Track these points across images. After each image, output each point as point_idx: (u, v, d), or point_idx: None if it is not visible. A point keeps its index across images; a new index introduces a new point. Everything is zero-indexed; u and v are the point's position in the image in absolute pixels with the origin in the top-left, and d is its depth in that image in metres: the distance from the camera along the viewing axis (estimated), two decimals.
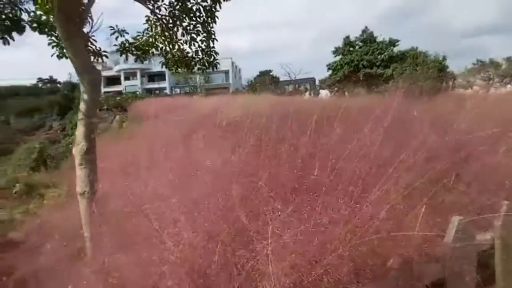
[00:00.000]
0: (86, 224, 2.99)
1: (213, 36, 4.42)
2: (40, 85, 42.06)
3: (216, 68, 4.84)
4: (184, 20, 4.28)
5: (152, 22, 4.31)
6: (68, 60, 4.00)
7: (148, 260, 1.24)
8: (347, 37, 26.42)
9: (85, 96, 3.03)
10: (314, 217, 1.23)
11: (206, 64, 4.63)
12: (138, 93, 42.42)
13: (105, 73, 51.84)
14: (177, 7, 4.19)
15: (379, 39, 25.31)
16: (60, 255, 2.74)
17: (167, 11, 4.20)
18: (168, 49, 4.55)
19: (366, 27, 25.89)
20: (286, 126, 2.79)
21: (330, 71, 26.81)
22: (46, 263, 2.59)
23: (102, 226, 2.17)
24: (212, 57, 4.62)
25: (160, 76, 51.28)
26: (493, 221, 1.85)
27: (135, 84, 51.13)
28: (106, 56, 4.75)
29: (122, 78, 51.24)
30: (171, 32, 4.32)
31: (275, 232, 1.15)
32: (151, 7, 4.11)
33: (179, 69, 5.00)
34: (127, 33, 4.50)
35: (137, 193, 1.76)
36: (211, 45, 4.49)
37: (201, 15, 4.20)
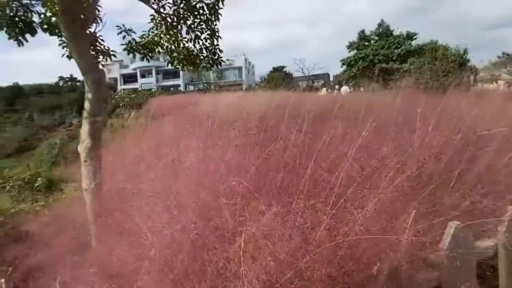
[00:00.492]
0: (91, 218, 3.10)
1: (217, 34, 4.43)
2: (61, 83, 43.84)
3: (221, 66, 4.84)
4: (188, 18, 4.30)
5: (157, 21, 4.36)
6: None
7: (128, 254, 1.27)
8: (362, 31, 25.67)
9: (89, 95, 3.11)
10: (296, 220, 1.20)
11: (211, 62, 4.64)
12: (153, 90, 43.42)
13: (122, 71, 53.45)
14: (181, 5, 4.22)
15: (395, 32, 24.45)
16: (68, 247, 2.86)
17: (171, 10, 4.24)
18: (173, 47, 4.60)
19: (382, 20, 25.09)
20: (287, 123, 2.73)
21: (345, 67, 26.22)
22: (53, 254, 2.71)
23: (99, 220, 2.23)
24: (217, 55, 4.63)
25: (174, 74, 52.18)
26: (496, 227, 1.75)
27: (151, 81, 52.30)
28: (115, 55, 4.87)
29: (138, 75, 52.54)
30: (175, 30, 4.36)
31: (253, 233, 1.13)
32: (155, 6, 4.16)
33: (185, 67, 5.05)
34: (134, 32, 4.59)
35: (127, 190, 1.79)
36: (215, 42, 4.49)
37: (205, 12, 4.20)
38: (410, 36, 23.87)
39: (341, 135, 2.30)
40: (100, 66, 4.62)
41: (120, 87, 48.90)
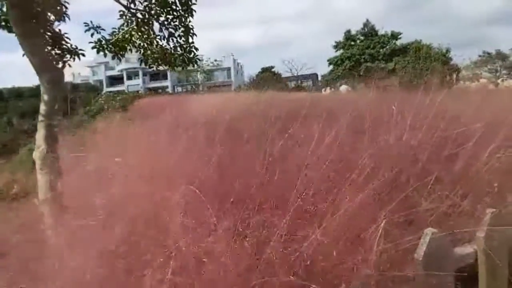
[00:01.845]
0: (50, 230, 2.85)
1: (191, 31, 4.21)
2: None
3: (197, 65, 4.63)
4: (161, 14, 4.08)
5: (127, 17, 4.11)
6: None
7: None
8: (348, 31, 25.90)
9: (45, 97, 2.85)
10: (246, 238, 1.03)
11: (186, 60, 4.43)
12: (140, 92, 42.56)
13: (108, 73, 52.27)
14: (153, 0, 3.99)
15: (380, 32, 24.78)
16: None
17: (142, 6, 4.01)
18: (146, 45, 4.36)
19: (367, 20, 25.36)
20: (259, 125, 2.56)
21: (332, 66, 26.38)
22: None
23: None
24: (192, 53, 4.42)
25: (162, 75, 51.46)
26: (475, 232, 1.61)
27: (137, 83, 51.41)
28: (83, 55, 4.59)
29: (124, 77, 51.52)
30: (147, 27, 4.12)
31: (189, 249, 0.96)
32: (124, 2, 3.92)
33: (160, 66, 4.81)
34: (103, 29, 4.32)
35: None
36: (190, 40, 4.28)
37: (177, 8, 3.99)
38: (394, 36, 24.22)
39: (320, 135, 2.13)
40: (64, 65, 4.35)
41: (106, 89, 47.82)
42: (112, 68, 52.21)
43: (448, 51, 17.73)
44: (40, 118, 2.82)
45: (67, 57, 4.47)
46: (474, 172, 1.94)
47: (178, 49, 4.33)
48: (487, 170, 1.96)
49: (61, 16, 4.40)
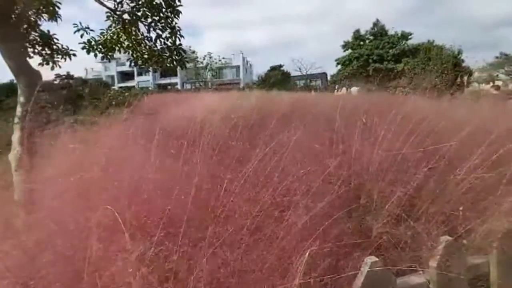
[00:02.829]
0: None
1: (178, 33, 4.18)
2: (57, 81, 43.46)
3: (185, 67, 4.60)
4: (148, 16, 4.06)
5: (114, 18, 4.11)
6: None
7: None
8: (357, 31, 25.35)
9: (21, 99, 2.87)
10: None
11: (175, 62, 4.40)
12: (150, 88, 43.07)
13: (119, 69, 53.04)
14: (140, 1, 3.98)
15: (390, 32, 24.14)
16: None
17: (130, 7, 3.99)
18: (134, 46, 4.35)
19: (377, 20, 24.75)
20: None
21: (340, 66, 25.94)
22: None
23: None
24: (180, 55, 4.38)
25: (171, 72, 51.84)
26: (427, 261, 1.51)
27: (148, 79, 52.02)
28: (75, 55, 4.63)
29: (135, 73, 52.19)
30: (134, 28, 4.11)
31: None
32: (110, 4, 3.91)
33: (151, 66, 4.81)
34: (92, 30, 4.34)
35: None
36: (177, 42, 4.25)
37: (163, 9, 3.96)
38: (405, 36, 23.56)
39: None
40: (54, 65, 4.40)
41: (117, 84, 48.59)
42: (124, 64, 52.97)
43: (460, 52, 17.13)
44: (16, 120, 2.85)
45: (57, 58, 4.54)
46: (439, 192, 1.83)
47: (166, 50, 4.31)
48: (455, 192, 1.84)
49: (54, 16, 4.45)
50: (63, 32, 4.61)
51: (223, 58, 47.45)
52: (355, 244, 1.49)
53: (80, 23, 4.27)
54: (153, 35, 4.21)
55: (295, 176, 1.54)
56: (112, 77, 54.15)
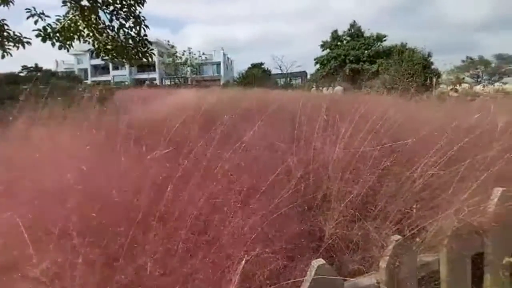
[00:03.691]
0: None
1: (142, 23, 3.95)
2: (24, 73, 40.54)
3: (152, 60, 4.38)
4: (110, 3, 3.80)
5: (72, 4, 3.80)
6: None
7: None
8: (335, 31, 25.83)
9: None
10: None
11: (140, 54, 4.16)
12: (126, 83, 41.36)
13: (93, 62, 50.44)
14: None
15: (366, 34, 24.80)
16: None
17: None
18: (96, 35, 4.06)
19: (354, 21, 25.34)
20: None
21: (318, 65, 26.31)
22: None
23: None
24: (146, 47, 4.15)
25: (150, 67, 50.40)
26: (378, 261, 1.47)
27: (124, 74, 49.93)
28: (29, 43, 4.26)
29: (110, 67, 49.89)
30: (94, 16, 3.83)
31: None
32: None
33: (115, 59, 4.52)
34: (48, 16, 3.99)
35: None
36: (142, 32, 4.01)
37: None
38: (380, 38, 24.33)
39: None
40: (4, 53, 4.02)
41: (90, 78, 46.29)
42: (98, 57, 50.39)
43: (429, 55, 17.91)
44: None
45: (9, 45, 4.15)
46: (396, 190, 1.81)
47: (130, 41, 4.06)
48: (412, 189, 1.83)
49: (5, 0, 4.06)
50: (20, 20, 4.22)
51: (203, 54, 46.68)
52: (306, 247, 1.42)
53: (34, 8, 3.93)
54: (116, 24, 3.96)
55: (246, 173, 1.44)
56: (85, 70, 51.50)
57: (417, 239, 1.67)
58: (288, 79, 42.58)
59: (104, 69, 50.22)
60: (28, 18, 3.87)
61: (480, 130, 2.10)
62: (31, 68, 45.34)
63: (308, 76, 43.06)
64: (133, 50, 4.14)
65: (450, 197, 1.66)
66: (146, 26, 4.00)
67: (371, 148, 2.02)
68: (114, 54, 4.36)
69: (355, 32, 25.12)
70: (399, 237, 1.46)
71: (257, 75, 37.69)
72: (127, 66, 50.40)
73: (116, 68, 50.44)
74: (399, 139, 2.30)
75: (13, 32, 4.08)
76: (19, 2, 4.05)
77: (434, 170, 1.85)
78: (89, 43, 4.09)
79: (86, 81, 36.58)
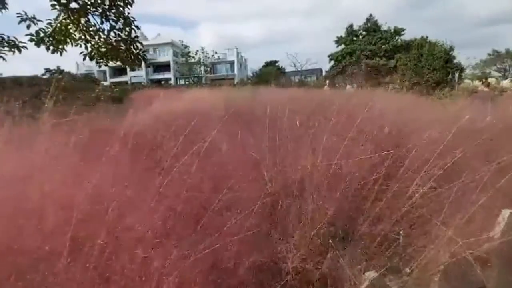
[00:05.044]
0: None
1: (133, 24, 3.83)
2: (47, 75, 42.46)
3: (145, 62, 4.26)
4: (99, 5, 3.70)
5: (61, 8, 3.74)
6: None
7: None
8: (350, 26, 24.88)
9: None
10: None
11: (132, 56, 4.05)
12: (142, 83, 42.26)
13: (111, 64, 51.93)
14: None
15: (383, 28, 23.67)
16: None
17: None
18: (88, 38, 4.00)
19: (370, 15, 24.23)
20: None
21: (333, 62, 25.50)
22: None
23: None
24: (138, 49, 4.04)
25: (165, 67, 51.36)
26: None
27: (141, 75, 51.11)
28: (25, 47, 4.26)
29: (127, 69, 51.21)
30: (84, 18, 3.75)
31: None
32: None
33: (109, 62, 4.45)
34: (40, 20, 3.97)
35: None
36: (133, 34, 3.90)
37: None
38: (397, 32, 23.15)
39: None
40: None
41: (109, 80, 47.75)
42: None
43: (452, 48, 16.83)
44: None
45: (4, 51, 4.17)
46: (380, 211, 1.55)
47: (121, 43, 3.96)
48: (398, 208, 1.57)
49: (1, 4, 4.08)
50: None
51: (216, 53, 46.84)
52: (262, 283, 1.20)
53: (25, 12, 3.91)
54: (106, 27, 3.87)
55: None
56: (104, 72, 53.22)
57: (404, 271, 1.41)
58: (303, 76, 41.80)
59: (122, 71, 51.64)
60: (19, 23, 3.86)
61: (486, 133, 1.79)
62: (53, 71, 47.45)
63: (324, 73, 42.11)
64: (125, 53, 4.04)
65: (443, 220, 1.38)
66: (137, 27, 3.89)
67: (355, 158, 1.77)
68: (109, 57, 4.28)
69: (372, 27, 24.07)
70: (373, 274, 1.21)
71: (271, 73, 37.32)
72: (143, 67, 51.57)
73: (133, 69, 51.69)
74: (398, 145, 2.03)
75: (8, 37, 4.09)
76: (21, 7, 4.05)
77: (426, 188, 1.57)
78: (80, 46, 4.03)
79: (104, 82, 37.68)
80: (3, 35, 4.02)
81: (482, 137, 1.66)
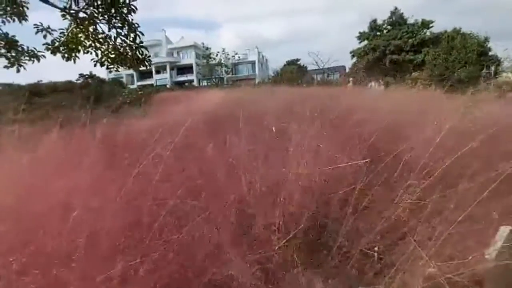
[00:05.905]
0: None
1: (136, 31, 3.93)
2: (81, 80, 45.35)
3: (150, 66, 4.36)
4: (105, 13, 3.84)
5: (71, 18, 3.94)
6: None
7: None
8: (374, 21, 23.75)
9: None
10: None
11: (137, 61, 4.16)
12: (167, 85, 43.76)
13: (122, 69, 54.21)
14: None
15: (410, 21, 22.30)
16: None
17: (84, 2, 3.80)
18: (97, 45, 4.17)
19: (395, 8, 22.94)
20: None
21: (355, 58, 24.55)
22: None
23: None
24: (142, 53, 4.14)
25: (188, 69, 52.86)
26: None
27: (165, 77, 53.00)
28: (44, 56, 4.55)
29: (153, 71, 53.36)
30: (93, 27, 3.92)
31: None
32: (61, 6, 3.74)
33: (120, 68, 4.62)
34: (55, 30, 4.21)
35: None
36: (138, 40, 4.00)
37: (119, 5, 3.72)
38: (425, 25, 21.70)
39: None
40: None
41: (136, 83, 50.00)
42: None
43: (487, 40, 15.51)
44: None
45: (24, 60, 4.47)
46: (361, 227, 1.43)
47: (127, 49, 4.08)
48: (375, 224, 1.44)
49: (22, 16, 4.38)
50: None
51: (236, 54, 47.24)
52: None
53: (41, 23, 4.16)
54: (113, 34, 4.02)
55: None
56: (132, 75, 55.83)
57: None
58: (326, 74, 40.83)
59: (148, 74, 53.86)
60: (36, 33, 4.12)
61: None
62: (86, 76, 50.60)
63: (347, 70, 40.80)
64: (131, 58, 4.17)
65: (419, 237, 1.23)
66: (141, 33, 3.99)
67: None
68: (118, 63, 4.45)
69: (397, 20, 22.79)
70: None
71: (292, 72, 36.84)
72: (168, 70, 53.40)
73: (158, 72, 53.72)
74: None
75: (27, 47, 4.39)
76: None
77: (412, 198, 1.43)
78: (91, 53, 4.22)
79: (131, 86, 39.53)
80: (23, 46, 4.33)
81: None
